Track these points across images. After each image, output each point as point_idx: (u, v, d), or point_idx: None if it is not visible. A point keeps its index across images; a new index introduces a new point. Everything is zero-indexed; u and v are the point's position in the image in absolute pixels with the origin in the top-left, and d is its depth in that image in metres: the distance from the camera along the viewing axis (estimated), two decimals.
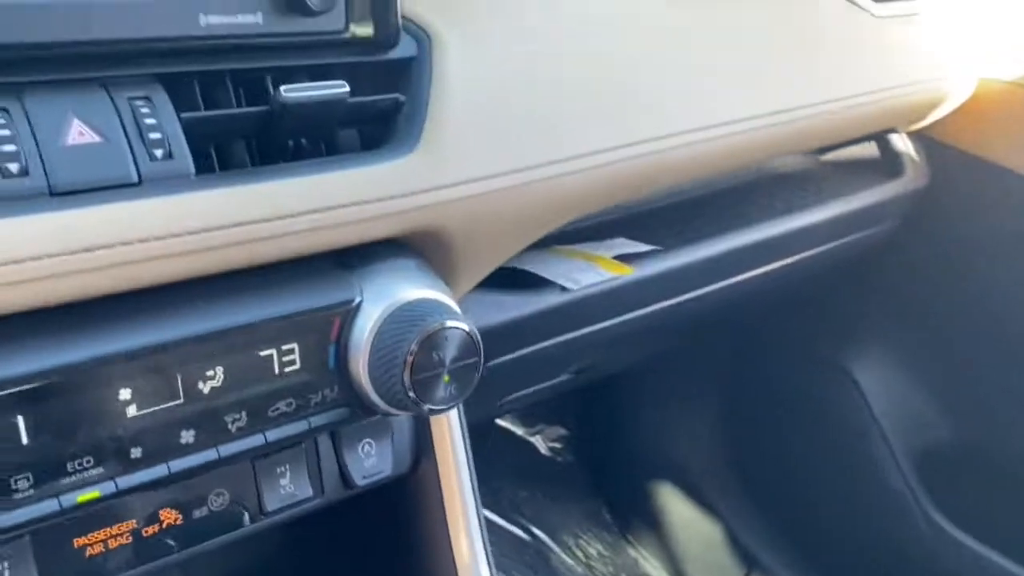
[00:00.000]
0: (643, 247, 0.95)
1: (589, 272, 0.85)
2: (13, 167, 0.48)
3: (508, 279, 0.83)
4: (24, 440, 0.47)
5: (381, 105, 0.63)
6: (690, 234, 1.04)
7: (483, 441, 1.74)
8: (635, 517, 1.77)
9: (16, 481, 0.47)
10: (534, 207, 0.71)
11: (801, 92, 0.98)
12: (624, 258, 0.90)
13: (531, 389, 1.06)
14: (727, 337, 1.54)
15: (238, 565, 0.74)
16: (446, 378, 0.57)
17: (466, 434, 0.71)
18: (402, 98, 0.64)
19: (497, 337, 0.80)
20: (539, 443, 1.89)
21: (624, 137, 0.76)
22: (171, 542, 0.58)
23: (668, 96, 0.82)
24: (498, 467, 1.79)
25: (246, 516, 0.61)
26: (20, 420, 0.46)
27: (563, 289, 0.82)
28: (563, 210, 0.75)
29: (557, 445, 1.89)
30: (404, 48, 0.65)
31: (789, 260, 1.17)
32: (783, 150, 1.06)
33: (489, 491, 1.74)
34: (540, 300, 0.81)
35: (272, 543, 0.73)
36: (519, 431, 1.88)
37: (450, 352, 0.57)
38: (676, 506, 1.71)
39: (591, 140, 0.73)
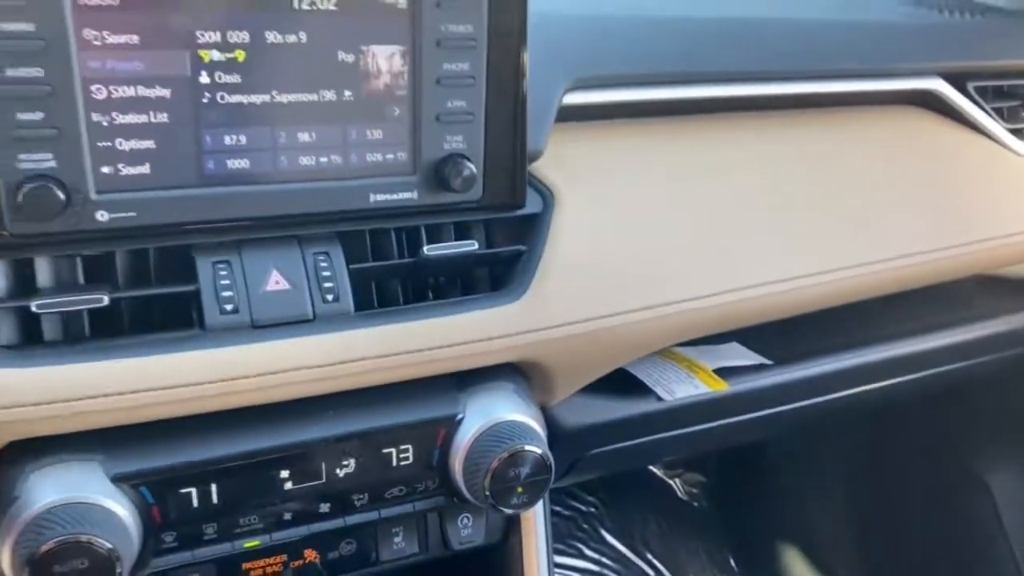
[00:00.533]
0: (750, 359, 1.05)
1: (686, 384, 0.97)
2: (229, 307, 0.68)
3: (612, 377, 0.96)
4: (214, 501, 0.68)
5: (505, 255, 0.80)
6: (804, 346, 1.12)
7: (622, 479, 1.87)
8: (759, 573, 1.84)
9: (206, 528, 0.68)
10: (629, 343, 0.85)
11: (938, 235, 1.03)
12: (726, 371, 1.01)
13: (644, 463, 1.18)
14: (858, 423, 1.58)
15: None
16: (519, 489, 0.73)
17: (548, 517, 0.87)
18: (523, 248, 0.80)
19: (596, 432, 0.95)
20: (677, 486, 1.99)
21: (726, 284, 0.87)
22: (312, 572, 0.79)
23: (781, 245, 0.91)
24: (634, 501, 1.91)
25: (366, 561, 0.81)
26: (213, 488, 0.67)
27: (658, 398, 0.95)
28: (659, 343, 0.88)
29: (694, 490, 1.99)
30: (531, 205, 0.81)
31: (917, 376, 1.21)
32: (919, 285, 1.10)
33: (621, 523, 1.88)
34: (635, 406, 0.95)
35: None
36: (659, 472, 2.00)
37: (525, 469, 0.73)
38: (799, 571, 1.76)
39: (690, 288, 0.85)
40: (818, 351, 1.10)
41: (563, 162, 0.84)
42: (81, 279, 0.68)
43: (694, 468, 1.99)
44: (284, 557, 0.77)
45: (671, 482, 2.00)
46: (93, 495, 0.62)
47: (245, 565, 0.75)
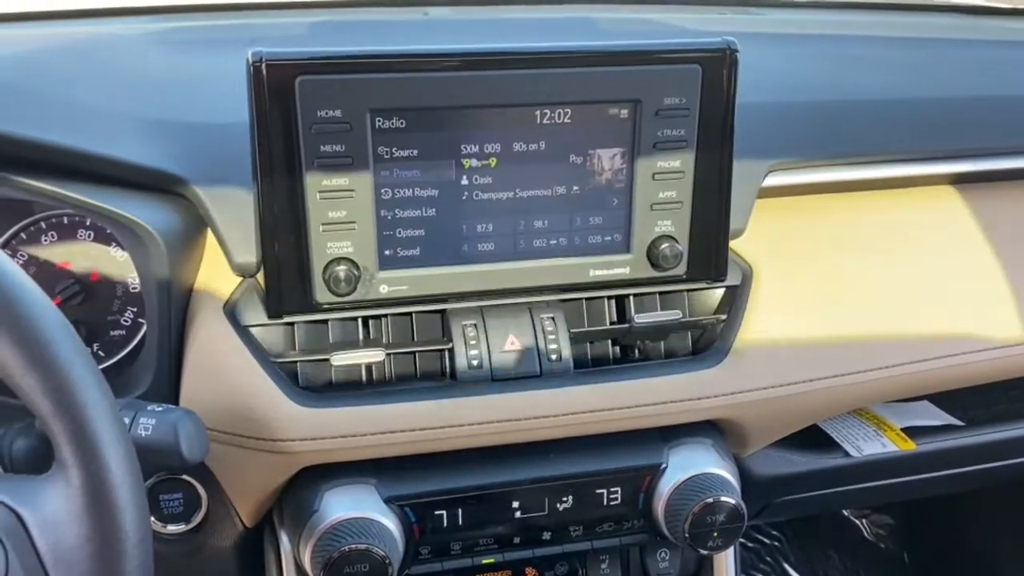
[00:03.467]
0: (941, 419, 1.09)
1: (874, 442, 1.02)
2: (475, 362, 0.83)
3: (803, 430, 1.04)
4: (459, 523, 0.83)
5: (705, 323, 0.90)
6: (1002, 407, 1.14)
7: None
8: None
9: (453, 544, 0.83)
10: (820, 407, 0.92)
11: None
12: (914, 430, 1.06)
13: (831, 510, 1.24)
14: None
15: None
16: (715, 534, 0.83)
17: (738, 557, 0.96)
18: (723, 318, 0.90)
19: (786, 482, 1.03)
20: (864, 526, 1.99)
21: (918, 355, 0.93)
22: None
23: (973, 316, 0.95)
24: (818, 537, 1.93)
25: None
26: (460, 512, 0.82)
27: (846, 454, 1.02)
28: (849, 407, 0.95)
29: (881, 532, 1.98)
30: (731, 277, 0.91)
31: None
32: None
33: (805, 558, 1.90)
34: (824, 460, 1.02)
35: None
36: (846, 511, 2.00)
37: (720, 517, 0.83)
38: None
39: (882, 357, 0.91)
40: (1013, 414, 1.12)
41: (762, 237, 0.93)
42: (360, 336, 0.85)
43: (882, 510, 1.98)
44: (509, 573, 0.91)
45: (858, 521, 2.00)
46: (372, 512, 0.79)
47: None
